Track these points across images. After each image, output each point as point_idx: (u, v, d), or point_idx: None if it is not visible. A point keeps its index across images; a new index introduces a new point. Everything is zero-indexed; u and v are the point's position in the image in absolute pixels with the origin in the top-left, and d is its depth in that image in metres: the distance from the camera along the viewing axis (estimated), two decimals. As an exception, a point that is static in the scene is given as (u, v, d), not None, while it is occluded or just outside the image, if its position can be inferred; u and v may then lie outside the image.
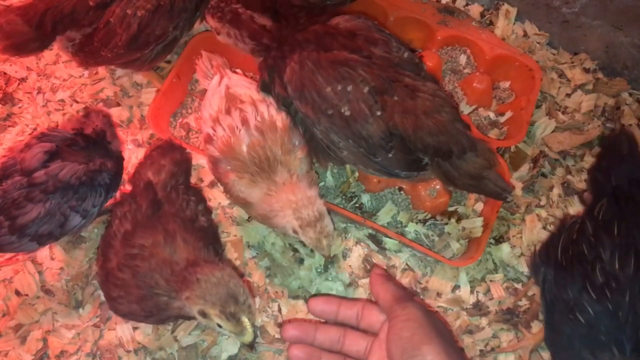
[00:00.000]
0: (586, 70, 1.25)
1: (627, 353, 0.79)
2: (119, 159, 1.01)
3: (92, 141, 0.98)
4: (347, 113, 0.89)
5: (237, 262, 1.06)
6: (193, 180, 1.09)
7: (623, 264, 0.83)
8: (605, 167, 0.97)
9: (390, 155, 0.91)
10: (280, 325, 1.01)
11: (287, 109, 0.94)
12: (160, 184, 0.97)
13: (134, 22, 1.00)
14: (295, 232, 0.92)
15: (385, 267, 1.06)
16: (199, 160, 1.12)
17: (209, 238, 0.95)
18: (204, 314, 0.83)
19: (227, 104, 0.95)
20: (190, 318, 0.92)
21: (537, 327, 1.01)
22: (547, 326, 0.91)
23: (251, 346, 0.85)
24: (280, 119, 0.93)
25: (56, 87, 1.23)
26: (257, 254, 1.07)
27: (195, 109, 1.19)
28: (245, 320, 0.82)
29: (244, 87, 0.98)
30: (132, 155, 1.14)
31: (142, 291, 0.87)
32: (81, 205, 0.93)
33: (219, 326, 0.83)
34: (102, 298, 1.02)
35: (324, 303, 0.82)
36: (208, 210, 0.99)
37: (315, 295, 0.95)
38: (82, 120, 1.01)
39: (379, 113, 0.89)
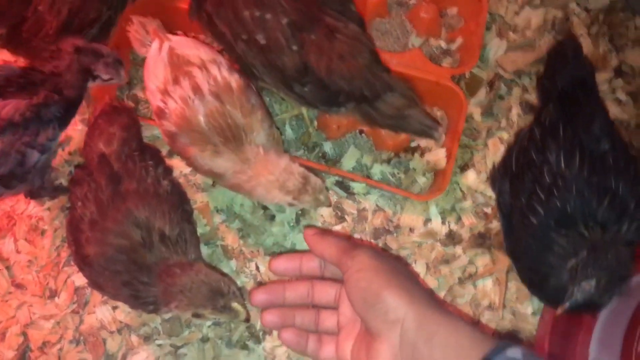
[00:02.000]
0: (532, -14, 1.23)
1: (585, 231, 0.82)
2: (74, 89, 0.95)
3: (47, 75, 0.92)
4: (263, 42, 0.87)
5: (207, 228, 1.04)
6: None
7: (568, 162, 0.85)
8: (550, 72, 0.98)
9: (305, 89, 0.90)
10: (260, 284, 1.02)
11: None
12: (114, 155, 0.93)
13: (64, 8, 0.94)
14: (291, 205, 0.91)
15: (356, 211, 1.06)
16: (153, 131, 1.09)
17: (176, 201, 0.93)
18: (198, 315, 0.84)
19: (173, 72, 0.91)
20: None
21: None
22: (505, 236, 0.94)
23: (247, 320, 0.86)
24: (234, 79, 0.90)
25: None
26: (226, 217, 1.06)
27: (141, 78, 1.15)
28: (236, 305, 0.83)
29: (190, 47, 0.93)
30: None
31: (124, 277, 0.86)
32: (35, 140, 0.90)
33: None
34: (77, 284, 1.02)
35: (285, 261, 0.81)
36: (168, 171, 0.96)
37: (272, 257, 0.96)
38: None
39: (295, 48, 0.87)
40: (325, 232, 0.77)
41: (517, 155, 0.93)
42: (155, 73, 0.92)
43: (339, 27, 0.89)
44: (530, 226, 0.85)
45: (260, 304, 0.79)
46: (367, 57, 0.91)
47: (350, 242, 0.76)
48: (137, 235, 0.86)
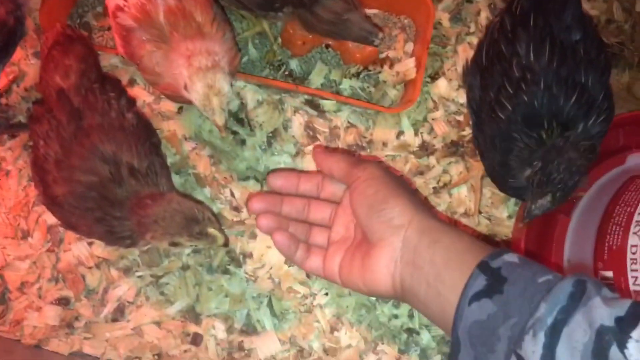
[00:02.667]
0: None
1: (544, 134, 0.82)
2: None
3: None
4: None
5: (177, 157, 1.02)
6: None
7: (538, 54, 0.83)
8: None
9: None
10: (236, 209, 1.01)
11: None
12: (73, 89, 0.88)
13: None
14: (185, 88, 0.84)
15: (327, 129, 1.04)
16: (111, 60, 1.04)
17: (143, 134, 0.90)
18: (175, 244, 0.83)
19: None
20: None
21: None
22: (474, 133, 0.95)
23: (226, 244, 0.85)
24: None
25: None
26: (196, 144, 1.03)
27: (91, 5, 1.09)
28: (212, 231, 0.82)
29: None
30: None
31: (96, 214, 0.84)
32: None
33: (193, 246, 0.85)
34: (49, 222, 1.00)
35: (283, 177, 0.84)
36: (132, 102, 0.93)
37: (271, 171, 0.94)
38: None
39: None
40: (332, 149, 0.80)
41: (487, 47, 0.90)
42: None
43: None
44: (499, 122, 0.85)
45: (257, 211, 0.82)
46: None
47: (357, 157, 0.79)
48: (105, 171, 0.84)
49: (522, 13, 0.87)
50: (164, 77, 0.87)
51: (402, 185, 0.74)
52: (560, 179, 0.80)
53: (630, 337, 0.52)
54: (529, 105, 0.82)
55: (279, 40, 1.07)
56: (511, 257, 0.64)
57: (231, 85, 0.86)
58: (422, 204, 0.73)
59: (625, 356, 0.52)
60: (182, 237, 0.83)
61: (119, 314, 0.97)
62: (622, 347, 0.52)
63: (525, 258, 0.65)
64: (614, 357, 0.53)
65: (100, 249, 0.98)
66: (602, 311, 0.55)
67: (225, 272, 0.98)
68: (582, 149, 0.81)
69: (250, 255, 0.99)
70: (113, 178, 0.84)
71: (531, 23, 0.85)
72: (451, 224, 0.70)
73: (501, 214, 1.01)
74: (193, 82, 0.82)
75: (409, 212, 0.70)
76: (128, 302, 0.97)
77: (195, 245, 0.84)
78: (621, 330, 0.53)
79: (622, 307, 0.55)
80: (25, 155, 1.02)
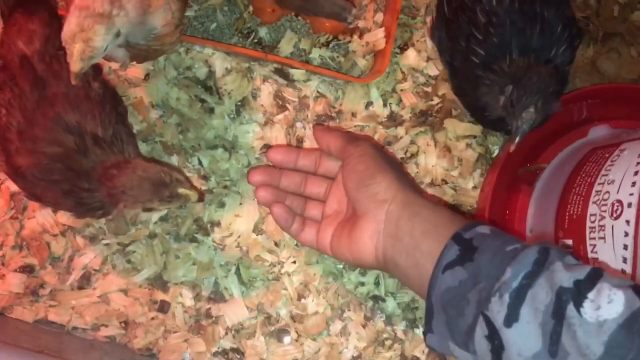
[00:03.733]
0: None
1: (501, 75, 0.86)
2: None
3: None
4: None
5: (144, 125, 1.01)
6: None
7: None
8: None
9: None
10: (204, 177, 1.00)
11: None
12: (37, 56, 0.86)
13: None
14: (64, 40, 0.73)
15: (297, 99, 1.04)
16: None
17: (109, 103, 0.89)
18: (148, 209, 0.84)
19: None
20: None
21: (451, 123, 1.04)
22: (450, 81, 0.99)
23: (201, 199, 0.88)
24: None
25: None
26: (163, 112, 1.02)
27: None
28: (182, 191, 0.82)
29: None
30: None
31: (64, 186, 0.83)
32: None
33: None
34: (12, 189, 0.98)
35: (284, 153, 0.90)
36: (98, 71, 0.90)
37: (273, 146, 0.96)
38: None
39: None
40: (330, 127, 0.85)
41: (449, 1, 0.94)
42: None
43: None
44: (474, 65, 0.88)
45: (256, 184, 0.87)
46: None
47: (354, 135, 0.89)
48: (70, 142, 0.82)
49: None
50: None
51: (391, 163, 0.79)
52: (538, 87, 0.82)
53: (586, 298, 0.56)
54: (500, 44, 0.86)
55: (250, 8, 1.05)
56: (483, 229, 0.68)
57: (126, 43, 0.78)
58: (408, 181, 0.79)
59: (580, 314, 0.55)
60: (153, 203, 0.82)
61: (85, 281, 0.96)
62: (578, 305, 0.56)
63: (496, 229, 0.69)
64: (570, 314, 0.56)
65: (65, 217, 0.97)
66: (563, 275, 0.58)
67: (193, 240, 0.98)
68: (549, 72, 0.84)
69: (219, 224, 0.99)
70: (78, 148, 0.82)
71: None
72: (431, 199, 0.74)
73: (467, 185, 1.03)
74: (71, 14, 0.73)
75: (394, 188, 0.75)
76: (94, 270, 0.96)
77: (169, 208, 0.84)
78: (579, 291, 0.57)
79: (582, 271, 0.59)
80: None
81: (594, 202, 0.85)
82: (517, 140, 0.84)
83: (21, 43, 0.87)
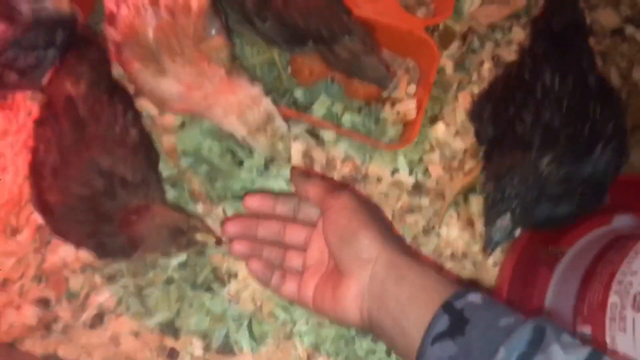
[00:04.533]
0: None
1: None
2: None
3: None
4: None
5: (174, 171, 1.03)
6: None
7: (562, 82, 0.87)
8: (546, 14, 1.00)
9: (266, 25, 0.89)
10: (226, 228, 1.01)
11: None
12: (81, 98, 0.88)
13: None
14: (244, 141, 0.87)
15: (325, 160, 1.06)
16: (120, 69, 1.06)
17: (143, 151, 0.91)
18: (167, 254, 0.86)
19: None
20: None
21: (475, 198, 1.05)
22: (486, 163, 0.98)
23: (219, 242, 0.87)
24: (196, 1, 0.85)
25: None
26: (194, 160, 1.05)
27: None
28: (200, 236, 0.83)
29: None
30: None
31: (86, 229, 0.85)
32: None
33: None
34: (39, 222, 1.00)
35: (260, 199, 0.85)
36: (137, 117, 0.93)
37: (247, 193, 0.95)
38: None
39: None
40: (310, 171, 0.80)
41: (505, 80, 0.97)
42: None
43: None
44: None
45: (232, 235, 0.83)
46: None
47: (334, 182, 0.78)
48: (100, 185, 0.84)
49: (545, 54, 0.93)
50: (161, 100, 0.88)
51: (374, 217, 0.74)
52: (516, 193, 0.77)
53: None
54: (548, 124, 0.85)
55: (289, 69, 1.09)
56: (474, 298, 0.65)
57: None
58: (391, 234, 0.75)
59: None
60: (171, 249, 0.84)
61: (98, 320, 0.96)
62: None
63: (489, 298, 0.66)
64: None
65: (87, 254, 0.98)
66: (560, 358, 0.56)
67: (209, 289, 0.98)
68: (547, 171, 0.80)
69: (235, 276, 0.99)
70: (105, 191, 0.84)
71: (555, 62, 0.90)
72: (418, 259, 0.71)
73: (487, 261, 1.03)
74: (257, 139, 0.86)
75: (377, 246, 0.71)
76: (108, 309, 0.97)
77: (187, 254, 0.85)
78: None
79: (580, 354, 0.57)
80: (25, 154, 1.02)
81: (616, 292, 0.84)
82: (489, 251, 0.82)
83: (69, 84, 0.90)
